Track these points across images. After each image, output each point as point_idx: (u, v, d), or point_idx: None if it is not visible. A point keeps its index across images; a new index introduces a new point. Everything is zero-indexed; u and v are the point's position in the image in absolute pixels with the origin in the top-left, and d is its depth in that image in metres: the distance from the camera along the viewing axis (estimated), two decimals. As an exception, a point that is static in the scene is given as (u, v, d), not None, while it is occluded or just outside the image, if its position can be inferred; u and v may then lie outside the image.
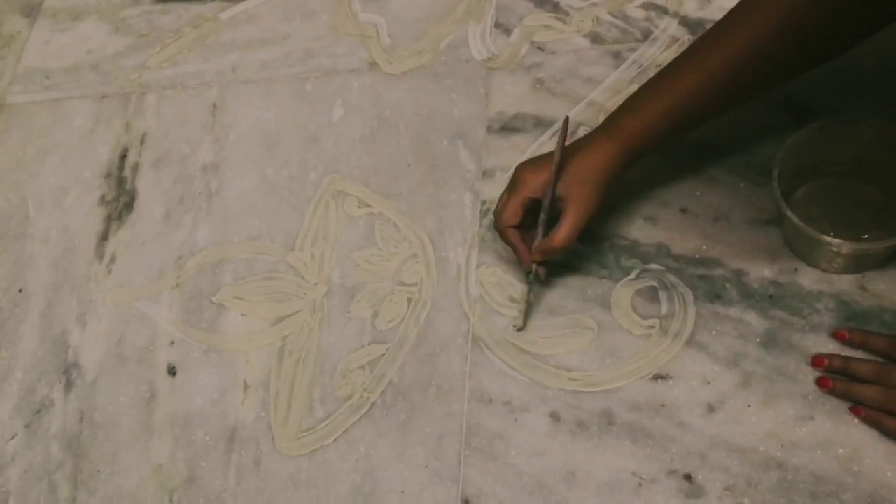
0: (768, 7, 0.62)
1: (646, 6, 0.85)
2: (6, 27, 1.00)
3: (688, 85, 0.65)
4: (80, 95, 0.93)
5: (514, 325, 0.71)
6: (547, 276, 0.71)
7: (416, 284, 0.75)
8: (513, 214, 0.68)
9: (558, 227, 0.67)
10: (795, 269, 0.69)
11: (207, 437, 0.71)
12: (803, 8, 0.61)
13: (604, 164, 0.66)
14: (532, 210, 0.69)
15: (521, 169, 0.70)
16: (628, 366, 0.68)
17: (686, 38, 0.82)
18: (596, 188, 0.66)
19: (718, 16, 0.82)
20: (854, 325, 0.66)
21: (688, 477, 0.64)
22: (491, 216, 0.76)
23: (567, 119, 0.70)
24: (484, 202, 0.78)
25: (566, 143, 0.69)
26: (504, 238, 0.70)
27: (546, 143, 0.79)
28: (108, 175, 0.87)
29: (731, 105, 0.68)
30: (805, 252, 0.69)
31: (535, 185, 0.68)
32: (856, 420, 0.63)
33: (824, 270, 0.69)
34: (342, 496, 0.67)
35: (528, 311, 0.71)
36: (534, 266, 0.69)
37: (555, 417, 0.67)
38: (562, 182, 0.67)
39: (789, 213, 0.65)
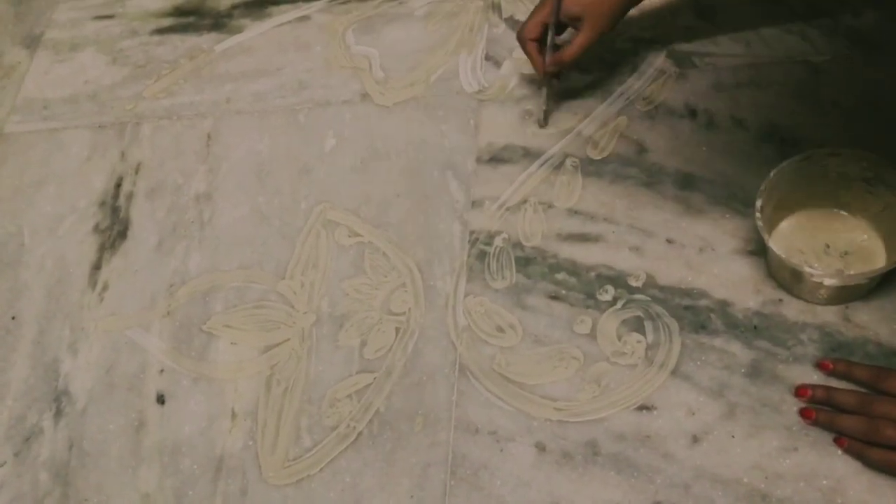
0: None
1: (633, 39, 0.86)
2: (7, 58, 1.02)
3: None
4: (77, 125, 0.94)
5: (538, 122, 0.82)
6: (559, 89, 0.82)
7: (404, 314, 0.75)
8: (532, 29, 0.76)
9: (571, 43, 0.75)
10: (780, 300, 0.70)
11: (195, 466, 0.72)
12: None
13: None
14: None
15: None
16: (614, 396, 0.69)
17: (673, 71, 0.83)
18: (608, 13, 0.74)
19: (705, 49, 0.84)
20: (838, 355, 0.67)
21: (672, 508, 0.64)
22: (479, 246, 0.77)
23: None
24: (472, 232, 0.78)
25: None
26: (524, 48, 0.78)
27: (535, 173, 0.80)
28: (103, 204, 0.88)
29: None
30: (789, 283, 0.69)
31: (552, 6, 0.74)
32: (839, 451, 0.63)
33: (808, 301, 0.69)
34: (328, 526, 0.67)
35: (548, 111, 0.81)
36: (548, 77, 0.79)
37: (540, 448, 0.68)
38: (580, 2, 0.73)
39: (772, 245, 0.65)
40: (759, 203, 0.67)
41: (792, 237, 0.70)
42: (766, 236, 0.66)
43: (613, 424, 0.67)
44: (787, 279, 0.69)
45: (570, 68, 0.79)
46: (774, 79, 0.81)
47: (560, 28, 0.77)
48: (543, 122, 0.82)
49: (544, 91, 0.81)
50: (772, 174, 0.67)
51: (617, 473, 0.65)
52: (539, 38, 0.77)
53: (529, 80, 0.85)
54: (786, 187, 0.69)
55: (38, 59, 1.01)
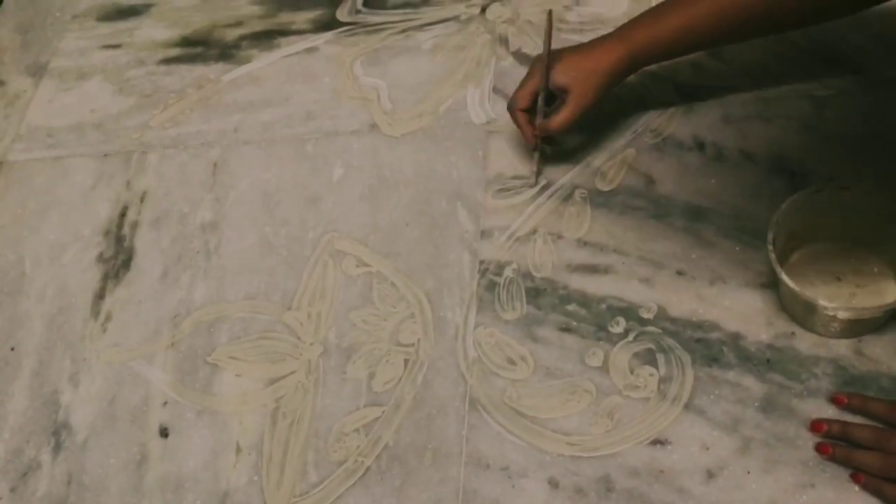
0: None
1: (640, 73, 0.86)
2: (12, 86, 1.02)
3: (699, 10, 0.71)
4: (81, 153, 0.93)
5: (528, 184, 0.81)
6: (551, 152, 0.82)
7: (413, 345, 0.75)
8: (522, 98, 0.78)
9: (558, 112, 0.76)
10: (792, 333, 0.69)
11: (198, 502, 0.70)
12: None
13: (608, 65, 0.75)
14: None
15: (535, 62, 0.79)
16: (627, 430, 0.68)
17: (681, 105, 0.83)
18: (597, 85, 0.75)
19: (713, 83, 0.85)
20: (852, 389, 0.66)
21: (688, 545, 0.63)
22: (488, 276, 0.77)
23: (550, 12, 0.81)
24: (482, 262, 0.78)
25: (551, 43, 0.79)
26: (513, 118, 0.80)
27: (544, 204, 0.80)
28: (107, 233, 0.87)
29: (743, 35, 0.74)
30: (801, 316, 0.69)
31: (542, 76, 0.77)
32: (856, 487, 0.62)
33: (820, 335, 0.69)
34: (335, 563, 0.66)
35: (538, 172, 0.81)
36: (538, 142, 0.80)
37: (553, 483, 0.66)
38: (567, 74, 0.76)
39: (785, 278, 0.65)
40: (770, 235, 0.66)
41: (803, 269, 0.70)
42: (778, 269, 0.65)
43: (627, 459, 0.66)
44: (799, 312, 0.69)
45: (559, 136, 0.80)
46: (781, 112, 0.81)
47: (550, 99, 0.78)
48: (534, 182, 0.81)
49: (536, 155, 0.81)
50: (783, 206, 0.67)
51: (631, 510, 0.64)
52: (528, 108, 0.79)
53: (524, 145, 0.84)
54: (797, 219, 0.68)
55: (44, 87, 1.01)
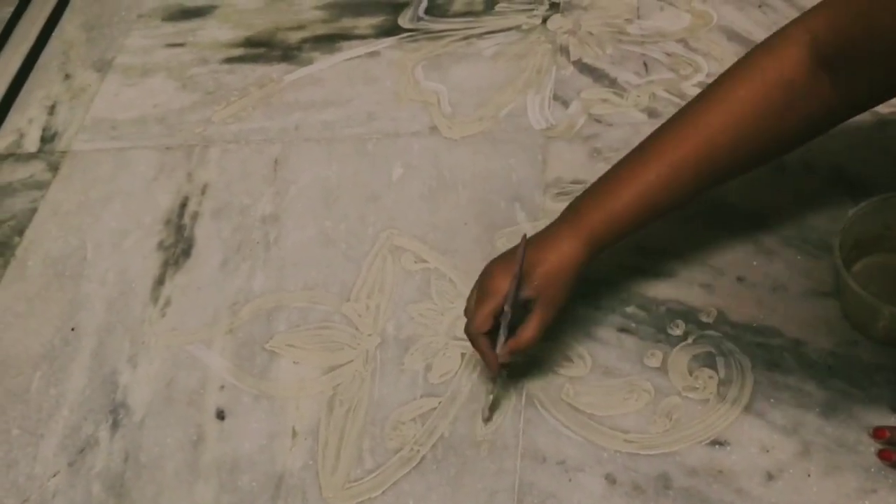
0: (721, 106, 0.64)
1: (701, 85, 0.87)
2: (77, 80, 1.04)
3: (649, 177, 0.66)
4: (144, 146, 0.96)
5: (483, 417, 0.70)
6: (509, 370, 0.71)
7: (470, 340, 0.75)
8: (484, 322, 0.67)
9: (525, 327, 0.66)
10: (855, 342, 0.69)
11: (254, 483, 0.70)
12: (752, 106, 0.63)
13: (569, 263, 0.66)
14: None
15: (490, 272, 0.69)
16: (685, 430, 0.68)
17: (741, 116, 0.84)
18: (563, 288, 0.67)
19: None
20: (916, 399, 0.66)
21: (747, 546, 0.62)
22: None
23: (525, 236, 0.69)
24: (540, 263, 0.78)
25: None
26: (474, 344, 0.68)
27: (603, 208, 0.81)
28: (168, 222, 0.88)
29: (695, 195, 0.67)
30: (864, 322, 0.69)
31: (502, 294, 0.66)
32: (920, 495, 0.62)
33: (883, 343, 0.68)
34: (390, 549, 0.66)
35: (495, 403, 0.70)
36: (500, 370, 0.69)
37: (610, 479, 0.66)
38: (529, 284, 0.66)
39: (850, 281, 0.65)
40: (837, 241, 0.67)
41: (866, 279, 0.70)
42: (844, 273, 0.66)
43: (685, 458, 0.66)
44: (862, 318, 0.69)
45: (525, 355, 0.70)
46: (842, 127, 0.81)
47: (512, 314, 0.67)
48: (489, 417, 0.70)
49: (495, 386, 0.71)
50: (850, 213, 0.68)
51: (690, 509, 0.64)
52: (490, 331, 0.68)
53: (483, 374, 0.74)
54: (862, 228, 0.69)
55: (109, 82, 1.03)
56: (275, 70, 1.00)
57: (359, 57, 0.99)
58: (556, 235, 0.68)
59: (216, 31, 1.06)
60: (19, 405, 0.78)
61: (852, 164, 0.79)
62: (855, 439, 0.65)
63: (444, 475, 0.68)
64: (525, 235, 0.69)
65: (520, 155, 0.86)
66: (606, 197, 0.68)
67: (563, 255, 0.67)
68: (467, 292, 0.77)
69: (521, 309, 0.67)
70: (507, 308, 0.66)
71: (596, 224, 0.67)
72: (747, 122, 0.64)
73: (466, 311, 0.70)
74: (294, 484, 0.70)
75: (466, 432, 0.70)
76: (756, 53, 0.65)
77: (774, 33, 0.65)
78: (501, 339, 0.67)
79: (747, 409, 0.68)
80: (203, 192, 0.90)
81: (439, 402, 0.72)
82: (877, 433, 0.65)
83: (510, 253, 0.70)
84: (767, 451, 0.66)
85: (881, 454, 0.64)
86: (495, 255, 0.79)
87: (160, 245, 0.87)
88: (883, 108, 0.82)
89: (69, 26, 1.11)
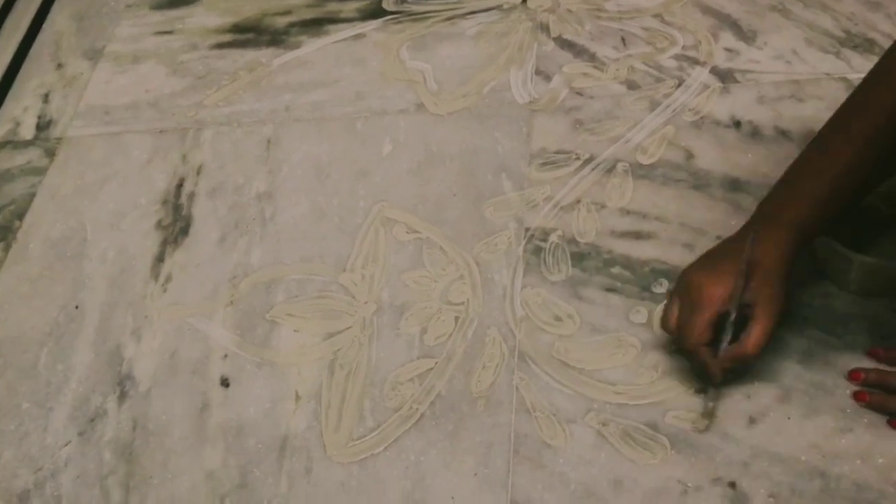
0: None
1: (678, 57, 0.91)
2: (69, 69, 1.06)
3: (843, 157, 0.64)
4: (138, 130, 0.98)
5: (699, 428, 0.68)
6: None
7: (462, 304, 0.78)
8: (703, 333, 0.65)
9: (749, 332, 0.64)
10: (829, 294, 0.73)
11: (259, 445, 0.73)
12: None
13: (782, 258, 0.64)
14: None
15: (699, 282, 0.67)
16: (671, 381, 0.71)
17: (717, 86, 0.88)
18: (781, 285, 0.65)
19: (747, 67, 0.89)
20: (888, 344, 0.69)
21: (732, 484, 0.65)
22: (534, 242, 0.80)
23: (753, 238, 0.66)
24: (528, 229, 0.81)
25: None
26: (694, 357, 0.67)
27: (587, 176, 0.84)
28: (165, 202, 0.91)
29: (889, 173, 0.66)
30: (835, 273, 0.72)
31: (720, 299, 0.65)
32: (894, 432, 0.66)
33: (853, 293, 0.72)
34: (393, 502, 0.69)
35: (713, 410, 0.69)
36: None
37: (601, 428, 0.70)
38: (748, 290, 0.65)
39: (821, 235, 0.68)
40: None
41: (837, 236, 0.73)
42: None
43: (672, 406, 0.70)
44: (835, 269, 0.72)
45: (753, 362, 0.67)
46: (814, 93, 0.85)
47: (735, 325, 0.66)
48: (706, 427, 0.68)
49: (712, 392, 0.69)
50: None
51: (677, 452, 0.67)
52: (710, 342, 0.66)
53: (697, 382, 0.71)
54: None
55: (100, 69, 1.05)
56: (263, 54, 1.03)
57: (345, 39, 1.02)
58: (762, 233, 0.66)
59: (204, 18, 1.08)
60: (28, 381, 0.80)
61: (823, 127, 0.82)
62: (832, 384, 0.68)
63: (442, 431, 0.71)
64: (753, 237, 0.66)
65: (505, 128, 0.90)
66: (803, 185, 0.65)
67: (772, 251, 0.65)
68: (458, 260, 0.81)
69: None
70: (731, 309, 0.65)
71: (799, 214, 0.65)
72: None
73: (669, 327, 0.68)
74: (299, 444, 0.73)
75: (462, 390, 0.73)
76: None
77: None
78: (725, 343, 0.65)
79: (729, 358, 0.71)
80: (198, 172, 0.93)
81: (435, 363, 0.75)
82: (852, 375, 0.68)
83: (709, 259, 0.69)
84: (749, 396, 0.69)
85: (856, 396, 0.67)
86: (484, 225, 0.83)
87: (158, 224, 0.89)
88: (852, 74, 0.86)
89: (59, 17, 1.13)
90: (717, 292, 0.65)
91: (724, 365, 0.66)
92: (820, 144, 0.67)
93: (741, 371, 0.69)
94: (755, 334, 0.64)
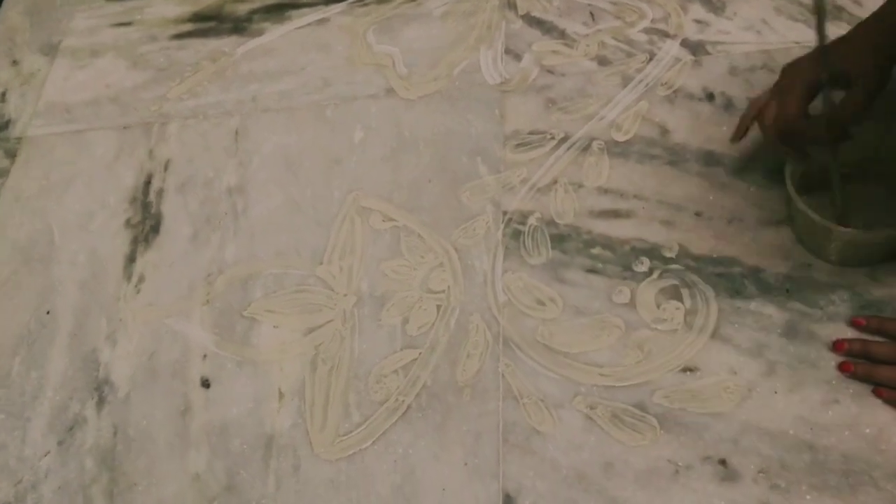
0: None
1: (647, 31, 0.90)
2: (26, 65, 1.03)
3: None
4: (101, 127, 0.95)
5: (834, 222, 0.66)
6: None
7: (443, 291, 0.77)
8: (801, 106, 0.64)
9: (846, 99, 0.62)
10: (809, 265, 0.73)
11: (245, 446, 0.72)
12: None
13: (880, 42, 0.63)
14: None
15: (785, 71, 0.68)
16: (657, 360, 0.71)
17: (688, 59, 0.87)
18: (877, 63, 0.62)
19: (717, 39, 0.88)
20: (869, 313, 0.70)
21: (722, 462, 0.66)
22: (513, 226, 0.79)
23: None
24: (505, 212, 0.81)
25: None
26: (796, 130, 0.65)
27: (563, 156, 0.83)
28: (134, 200, 0.88)
29: None
30: (817, 246, 0.72)
31: (810, 72, 0.64)
32: (879, 401, 0.66)
33: (833, 263, 0.72)
34: (383, 496, 0.68)
35: (845, 197, 0.67)
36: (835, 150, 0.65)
37: (589, 412, 0.69)
38: (839, 56, 0.62)
39: (801, 205, 0.68)
40: (788, 169, 0.70)
41: (816, 207, 0.73)
42: (795, 197, 0.68)
43: (659, 386, 0.69)
44: (813, 240, 0.72)
45: (856, 124, 0.63)
46: (785, 62, 0.84)
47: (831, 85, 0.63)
48: (842, 213, 0.67)
49: (835, 179, 0.67)
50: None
51: (666, 432, 0.67)
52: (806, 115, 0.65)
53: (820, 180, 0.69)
54: (812, 157, 0.72)
55: (58, 65, 1.02)
56: (226, 43, 1.00)
57: (309, 25, 1.00)
58: (855, 28, 0.65)
59: (163, 8, 1.05)
60: (1, 390, 0.78)
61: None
62: (816, 356, 0.69)
63: (429, 422, 0.71)
64: None
65: (477, 110, 0.88)
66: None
67: (866, 33, 0.64)
68: (437, 247, 0.80)
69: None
70: (823, 71, 0.62)
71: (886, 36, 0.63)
72: None
73: (767, 120, 0.66)
74: (285, 443, 0.72)
75: (448, 379, 0.73)
76: None
77: None
78: (831, 98, 0.62)
79: (714, 335, 0.71)
80: (166, 168, 0.90)
81: (419, 353, 0.74)
82: (836, 346, 0.68)
83: (801, 57, 0.67)
84: (735, 373, 0.69)
85: (841, 367, 0.68)
86: (461, 210, 0.82)
87: (128, 223, 0.87)
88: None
89: (11, 12, 1.10)
90: (805, 65, 0.65)
91: (840, 121, 0.62)
92: None
93: (843, 139, 0.64)
94: (853, 98, 0.62)
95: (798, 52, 0.84)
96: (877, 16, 0.67)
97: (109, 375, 0.78)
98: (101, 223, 0.87)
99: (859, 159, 0.73)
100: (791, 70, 0.69)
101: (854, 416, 0.66)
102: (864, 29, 0.67)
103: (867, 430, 0.65)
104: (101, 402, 0.76)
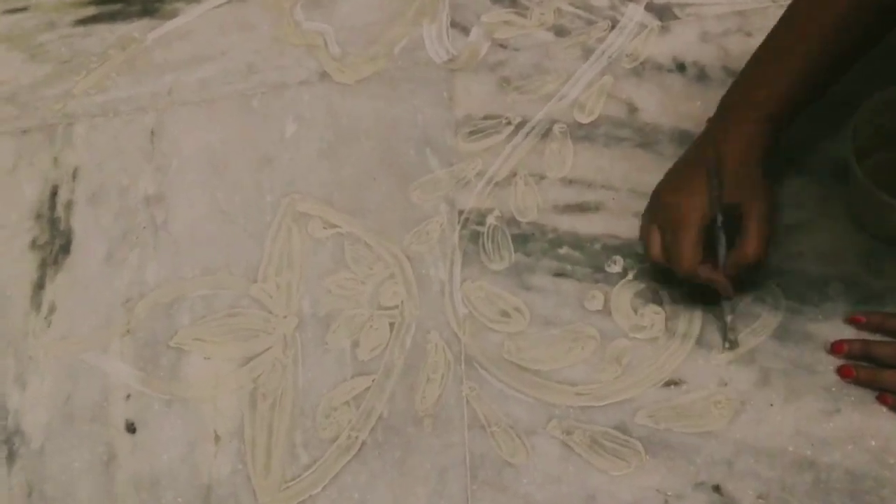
0: None
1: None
2: None
3: (807, 43, 0.60)
4: (-3, 132, 0.84)
5: (725, 347, 0.63)
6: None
7: (396, 307, 0.69)
8: (695, 253, 0.60)
9: (745, 233, 0.59)
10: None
11: (179, 499, 0.63)
12: None
13: (753, 147, 0.60)
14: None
15: (673, 201, 0.62)
16: (638, 373, 0.63)
17: (655, 25, 0.78)
18: (760, 177, 0.60)
19: (686, 0, 0.80)
20: (869, 308, 0.63)
21: (717, 488, 0.59)
22: (470, 227, 0.71)
23: (709, 119, 0.64)
24: (461, 212, 0.72)
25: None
26: (694, 279, 0.61)
27: (521, 143, 0.74)
28: (39, 216, 0.78)
29: (864, 50, 0.61)
30: (870, 219, 0.64)
31: (700, 211, 0.60)
32: (884, 409, 0.59)
33: (887, 240, 0.64)
34: (340, 549, 0.60)
35: (734, 327, 0.63)
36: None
37: (566, 437, 0.62)
38: (726, 189, 0.60)
39: (861, 177, 0.59)
40: (850, 133, 0.60)
41: (875, 176, 0.64)
42: (855, 168, 0.59)
43: (641, 404, 0.62)
44: (871, 216, 0.64)
45: (757, 266, 0.61)
46: (761, 25, 0.76)
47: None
48: (734, 343, 0.63)
49: (727, 305, 0.63)
50: (865, 104, 0.61)
51: (652, 457, 0.60)
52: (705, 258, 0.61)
53: (703, 304, 0.65)
54: (879, 121, 0.62)
55: (-56, 61, 0.90)
56: (136, 28, 0.88)
57: (228, 2, 0.88)
58: (733, 127, 0.61)
59: (61, -10, 0.93)
60: None
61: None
62: (813, 359, 0.62)
63: (387, 459, 0.63)
64: (709, 119, 0.63)
65: (423, 94, 0.79)
66: (768, 72, 0.61)
67: (740, 144, 0.60)
68: (386, 256, 0.71)
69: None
70: (716, 215, 0.60)
71: (769, 102, 0.60)
72: None
73: (656, 256, 0.62)
74: (225, 493, 0.63)
75: (406, 409, 0.64)
76: None
77: None
78: (723, 252, 0.60)
79: (699, 342, 0.64)
80: (74, 176, 0.80)
81: (373, 380, 0.66)
82: (835, 348, 0.62)
83: (675, 174, 0.64)
84: (725, 384, 0.62)
85: (841, 371, 0.61)
86: (411, 211, 0.73)
87: (33, 244, 0.76)
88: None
89: None
90: (694, 204, 0.60)
91: (731, 273, 0.61)
92: (781, 30, 0.63)
93: (753, 276, 0.64)
94: (751, 233, 0.59)
95: (774, 12, 0.75)
96: (751, 83, 0.62)
97: (20, 424, 0.68)
98: (2, 245, 0.77)
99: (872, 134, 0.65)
100: (679, 206, 0.61)
101: (857, 427, 0.59)
102: (738, 131, 0.61)
103: (872, 443, 0.59)
104: (11, 457, 0.67)
